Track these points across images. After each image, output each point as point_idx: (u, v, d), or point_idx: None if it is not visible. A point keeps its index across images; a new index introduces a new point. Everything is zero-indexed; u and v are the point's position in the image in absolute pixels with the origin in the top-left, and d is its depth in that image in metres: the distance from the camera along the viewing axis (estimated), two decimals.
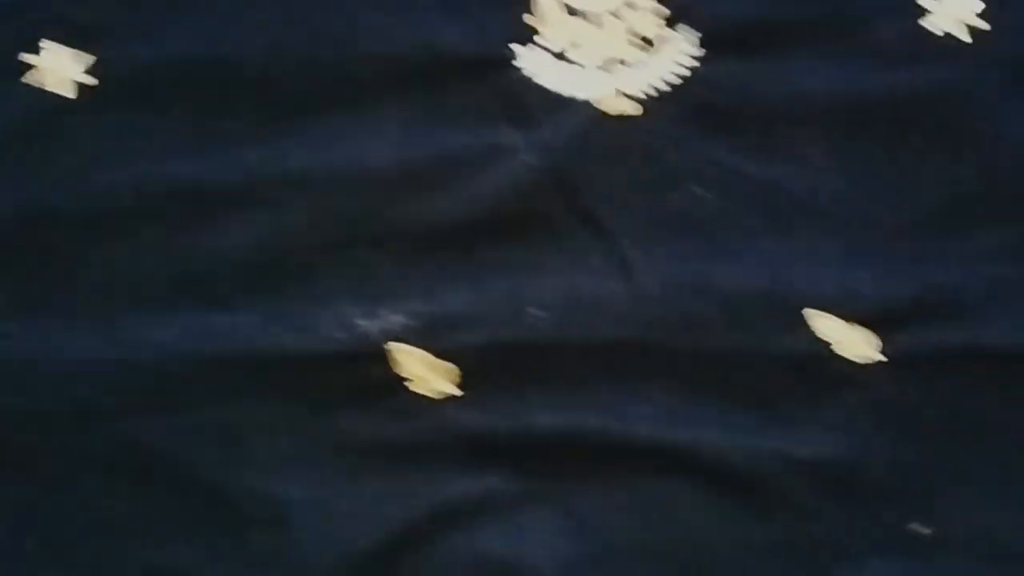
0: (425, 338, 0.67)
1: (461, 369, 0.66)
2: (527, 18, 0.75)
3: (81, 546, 0.62)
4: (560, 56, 0.74)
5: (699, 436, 0.65)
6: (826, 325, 0.68)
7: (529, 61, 0.74)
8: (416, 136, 0.72)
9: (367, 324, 0.67)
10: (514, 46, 0.74)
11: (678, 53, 0.73)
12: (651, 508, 0.64)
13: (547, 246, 0.70)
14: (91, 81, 0.73)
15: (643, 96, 0.73)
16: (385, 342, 0.66)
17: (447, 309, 0.68)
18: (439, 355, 0.66)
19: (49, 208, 0.70)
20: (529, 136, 0.72)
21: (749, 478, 0.65)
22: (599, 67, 0.73)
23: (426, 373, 0.67)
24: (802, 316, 0.68)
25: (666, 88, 0.73)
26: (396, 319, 0.68)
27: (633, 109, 0.72)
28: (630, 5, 0.73)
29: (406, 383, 0.66)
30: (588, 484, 0.64)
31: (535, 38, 0.74)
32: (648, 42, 0.74)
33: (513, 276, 0.69)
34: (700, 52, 0.74)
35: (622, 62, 0.74)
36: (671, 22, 0.74)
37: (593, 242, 0.70)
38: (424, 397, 0.66)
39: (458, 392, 0.66)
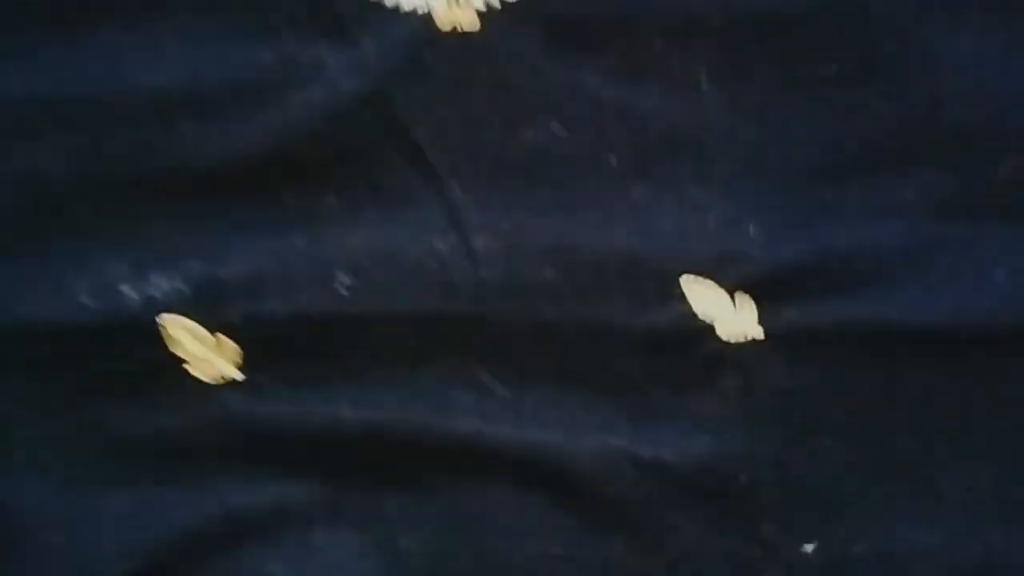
0: (204, 308, 0.56)
1: (248, 348, 0.56)
2: None
3: None
4: None
5: (536, 433, 0.55)
6: (701, 295, 0.55)
7: None
8: (203, 53, 0.57)
9: (133, 290, 0.56)
10: None
11: None
12: (476, 524, 0.55)
13: (361, 194, 0.57)
14: None
15: (487, 7, 0.59)
16: (154, 313, 0.56)
17: (232, 272, 0.56)
18: (221, 329, 0.56)
19: None
20: (343, 54, 0.58)
21: (595, 485, 0.54)
22: None
23: (204, 352, 0.54)
24: (672, 283, 0.55)
25: None
26: (169, 284, 0.55)
27: (472, 22, 0.58)
28: None
29: (179, 364, 0.56)
30: (400, 494, 0.55)
31: None
32: None
33: (317, 231, 0.56)
34: None
35: None
36: None
37: (419, 190, 0.57)
38: (200, 383, 0.55)
39: (241, 377, 0.54)
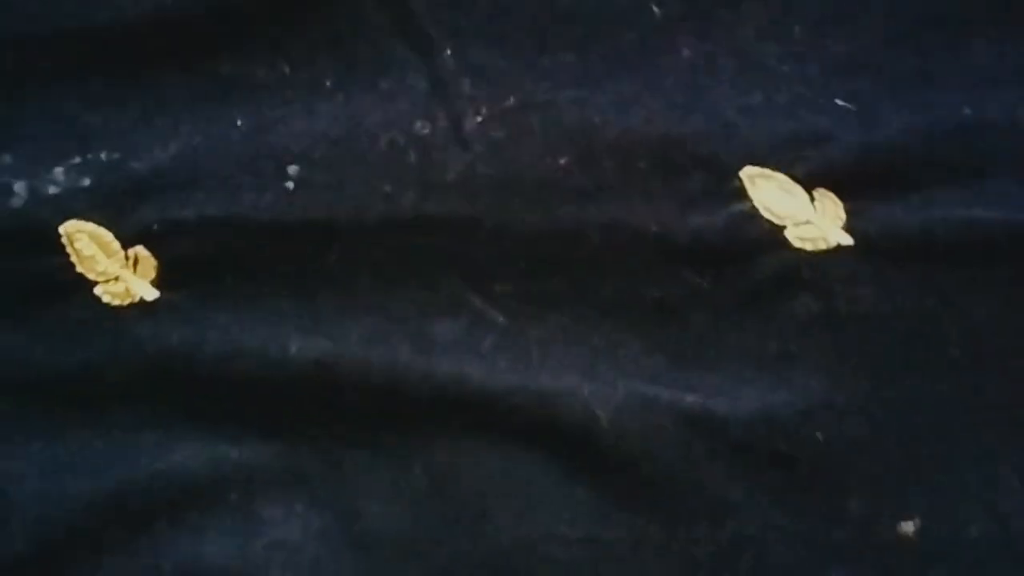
0: (114, 209, 0.43)
1: (169, 261, 0.43)
2: None
3: None
4: None
5: (546, 377, 0.42)
6: (767, 191, 0.42)
7: None
8: None
9: (25, 187, 0.44)
10: None
11: None
12: (465, 495, 0.42)
13: (320, 60, 0.44)
14: None
15: None
16: (52, 218, 0.43)
17: (149, 163, 0.43)
18: (135, 238, 0.43)
19: None
20: None
21: (623, 446, 0.41)
22: None
23: (113, 267, 0.43)
24: (730, 176, 0.42)
25: None
26: (70, 179, 0.43)
27: None
28: None
29: (82, 282, 0.43)
30: (366, 455, 0.43)
31: None
32: None
33: (260, 105, 0.44)
34: None
35: None
36: None
37: (398, 55, 0.44)
38: (110, 307, 0.44)
39: (157, 296, 0.42)
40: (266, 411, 0.42)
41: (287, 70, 0.44)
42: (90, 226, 0.43)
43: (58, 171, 0.43)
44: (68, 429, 0.43)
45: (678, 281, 0.42)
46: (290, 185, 0.43)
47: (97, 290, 0.43)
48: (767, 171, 0.42)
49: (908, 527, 0.41)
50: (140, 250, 0.43)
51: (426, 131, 0.43)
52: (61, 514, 0.42)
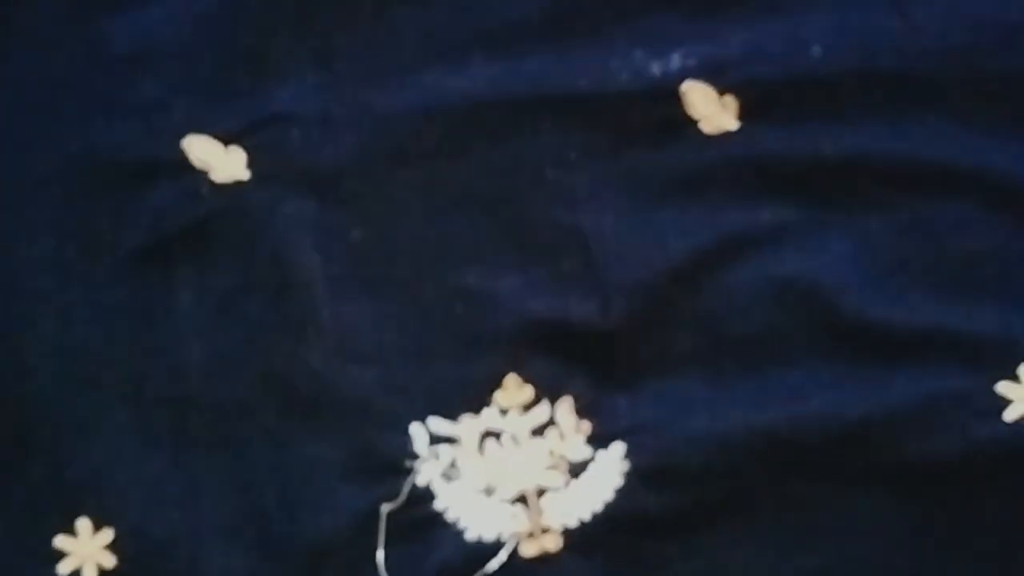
0: (708, 76, 0.66)
1: (746, 104, 0.66)
2: None
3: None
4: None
5: (980, 158, 0.63)
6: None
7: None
8: None
9: (654, 65, 0.67)
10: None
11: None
12: (936, 227, 0.63)
13: None
14: None
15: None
16: (673, 82, 0.66)
17: (728, 49, 0.66)
18: (722, 92, 0.66)
19: None
20: None
21: None
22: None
23: (713, 110, 0.65)
24: None
25: None
26: (681, 60, 0.66)
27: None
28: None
29: (693, 120, 0.66)
30: (874, 207, 0.64)
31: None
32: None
33: (788, 16, 0.66)
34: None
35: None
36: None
37: None
38: (711, 134, 0.66)
39: (740, 126, 0.65)
40: (808, 187, 0.64)
41: None
42: (695, 83, 0.64)
43: (671, 55, 0.65)
44: (685, 209, 0.64)
45: None
46: (809, 55, 0.65)
47: (699, 124, 0.64)
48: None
49: None
50: (730, 98, 0.64)
51: (885, 24, 0.66)
52: (681, 251, 0.63)
